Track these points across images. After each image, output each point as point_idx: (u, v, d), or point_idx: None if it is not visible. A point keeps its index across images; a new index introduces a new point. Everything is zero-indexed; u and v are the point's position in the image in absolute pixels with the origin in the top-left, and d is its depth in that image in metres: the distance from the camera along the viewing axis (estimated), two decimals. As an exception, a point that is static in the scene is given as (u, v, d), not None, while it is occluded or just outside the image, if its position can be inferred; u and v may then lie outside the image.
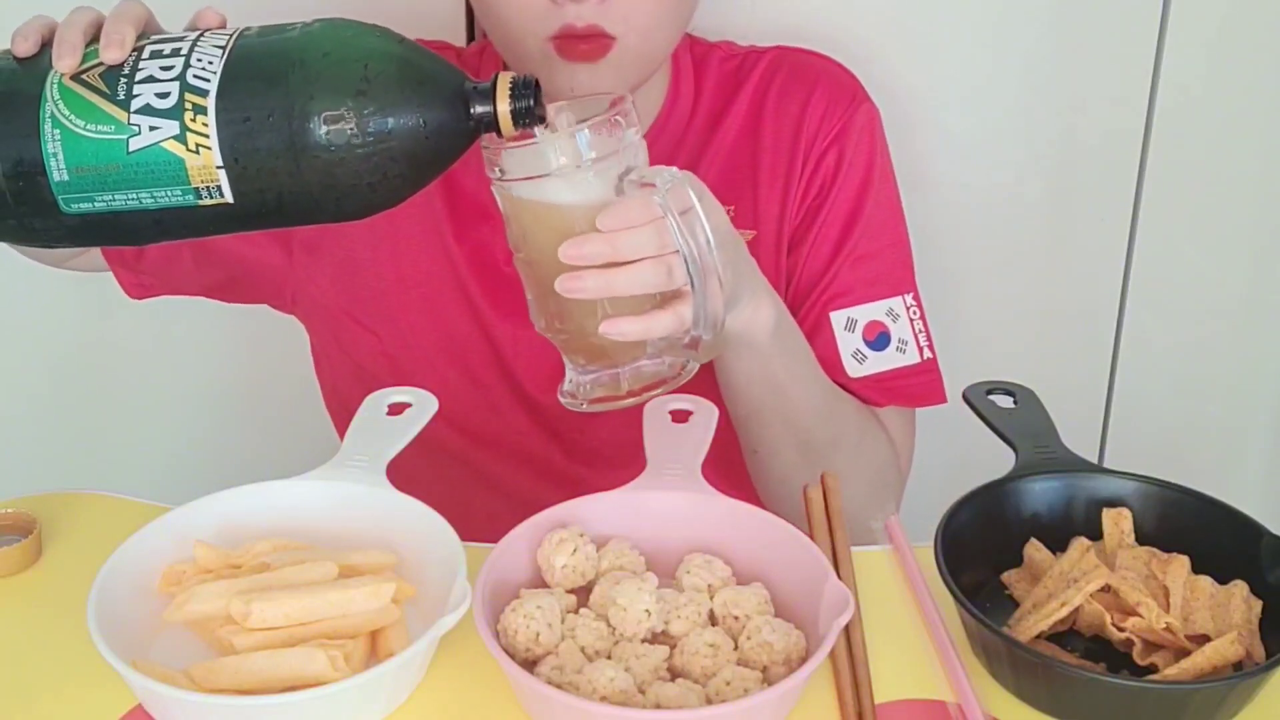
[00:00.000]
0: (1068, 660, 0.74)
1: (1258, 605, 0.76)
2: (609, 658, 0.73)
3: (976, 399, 0.90)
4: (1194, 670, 0.71)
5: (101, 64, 0.77)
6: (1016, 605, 0.79)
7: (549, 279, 0.80)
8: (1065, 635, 0.77)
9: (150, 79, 0.78)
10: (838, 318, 1.07)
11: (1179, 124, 1.28)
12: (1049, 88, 1.28)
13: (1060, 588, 0.77)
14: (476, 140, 0.81)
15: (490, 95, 0.79)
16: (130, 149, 0.77)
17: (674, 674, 0.73)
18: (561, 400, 0.86)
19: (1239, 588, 0.76)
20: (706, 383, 1.01)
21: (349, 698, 0.69)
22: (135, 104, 0.77)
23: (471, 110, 0.79)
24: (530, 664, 0.73)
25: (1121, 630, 0.74)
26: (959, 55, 1.28)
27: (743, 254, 0.90)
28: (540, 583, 0.79)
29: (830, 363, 1.06)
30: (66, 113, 0.78)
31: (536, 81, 0.79)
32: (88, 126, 0.77)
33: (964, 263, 1.34)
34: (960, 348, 1.25)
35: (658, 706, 0.69)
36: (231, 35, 0.79)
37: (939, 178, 1.30)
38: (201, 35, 0.80)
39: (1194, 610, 0.75)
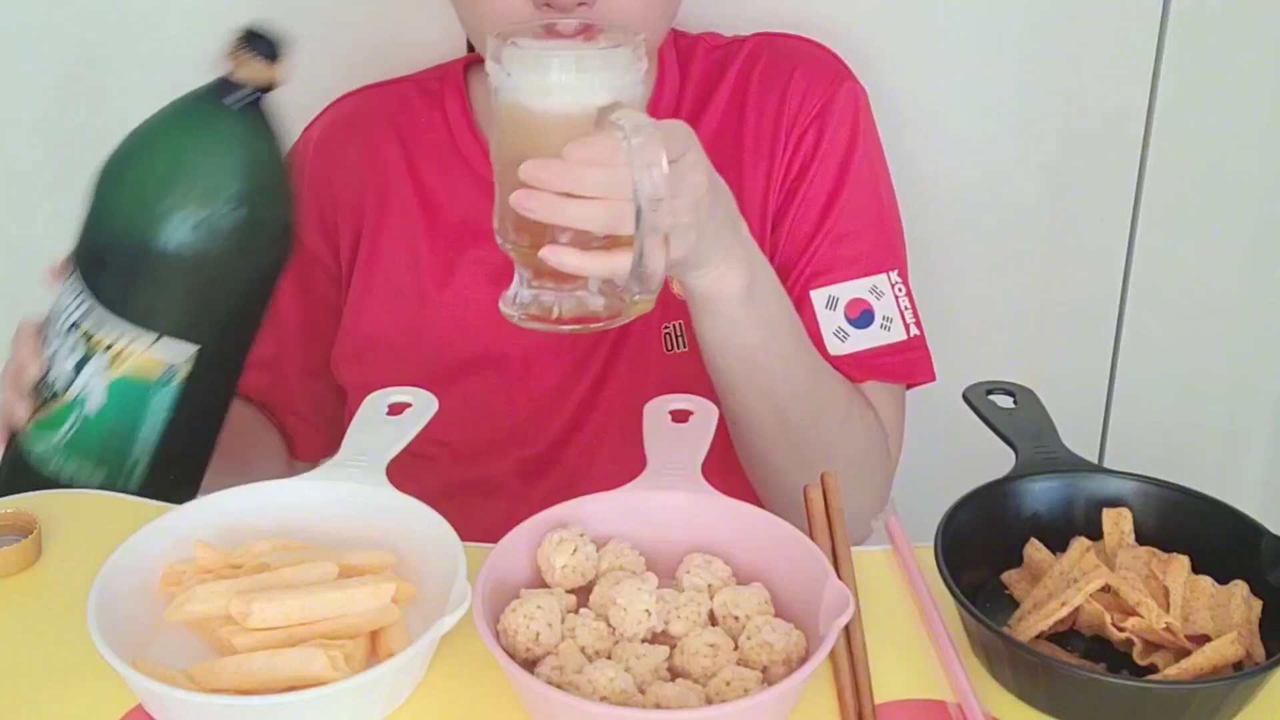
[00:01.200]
0: (1068, 660, 0.74)
1: (1258, 605, 0.76)
2: (609, 658, 0.73)
3: (976, 399, 0.90)
4: (1194, 670, 0.71)
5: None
6: (1016, 605, 0.79)
7: (510, 190, 0.80)
8: (1065, 635, 0.77)
9: (54, 361, 0.87)
10: (818, 296, 1.07)
11: (1179, 124, 1.28)
12: (1049, 87, 1.28)
13: (1060, 588, 0.77)
14: (264, 101, 0.86)
15: (230, 82, 0.84)
16: (96, 412, 0.86)
17: (674, 674, 0.73)
18: (500, 308, 0.87)
19: (1239, 588, 0.76)
20: (705, 382, 1.01)
21: (349, 698, 0.69)
22: (63, 384, 0.86)
23: (234, 103, 0.84)
24: (530, 664, 0.73)
25: (1121, 630, 0.74)
26: (958, 54, 1.28)
27: (721, 217, 0.89)
28: (540, 583, 0.79)
29: (812, 341, 1.06)
30: (46, 441, 0.88)
31: (247, 33, 0.84)
32: (65, 433, 0.87)
33: (964, 262, 1.34)
34: (960, 348, 1.25)
35: (658, 706, 0.69)
36: (67, 265, 0.88)
37: (939, 177, 1.30)
38: (58, 292, 0.89)
39: (1194, 610, 0.75)
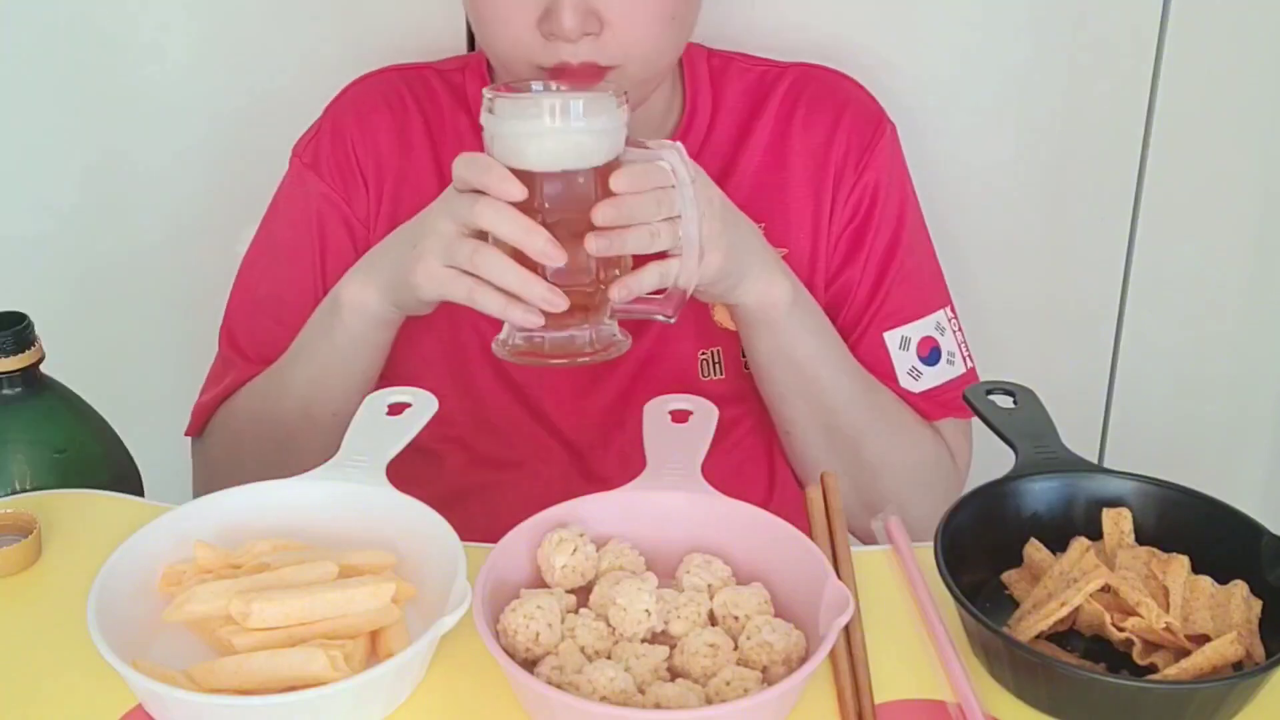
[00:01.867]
0: (1068, 660, 0.74)
1: (1258, 605, 0.76)
2: (609, 658, 0.73)
3: (976, 399, 0.90)
4: (1194, 670, 0.71)
5: None
6: (1016, 605, 0.79)
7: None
8: (1065, 635, 0.77)
9: None
10: (891, 338, 1.09)
11: (1179, 124, 1.28)
12: (1049, 87, 1.28)
13: (1060, 588, 0.77)
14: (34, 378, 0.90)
15: None
16: None
17: (674, 674, 0.73)
18: (493, 347, 0.90)
19: (1239, 588, 0.76)
20: (734, 409, 1.01)
21: (349, 698, 0.69)
22: None
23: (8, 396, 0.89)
24: (530, 664, 0.73)
25: (1121, 630, 0.74)
26: (958, 54, 1.28)
27: (745, 229, 0.95)
28: (540, 583, 0.79)
29: (888, 383, 1.08)
30: None
31: None
32: None
33: (964, 261, 1.34)
34: (960, 347, 1.25)
35: (658, 706, 0.69)
36: None
37: (939, 177, 1.29)
38: None
39: (1194, 610, 0.75)
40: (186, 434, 1.15)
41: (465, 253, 0.87)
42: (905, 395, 1.09)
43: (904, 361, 1.09)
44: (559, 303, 0.85)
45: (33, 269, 1.42)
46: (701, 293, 0.93)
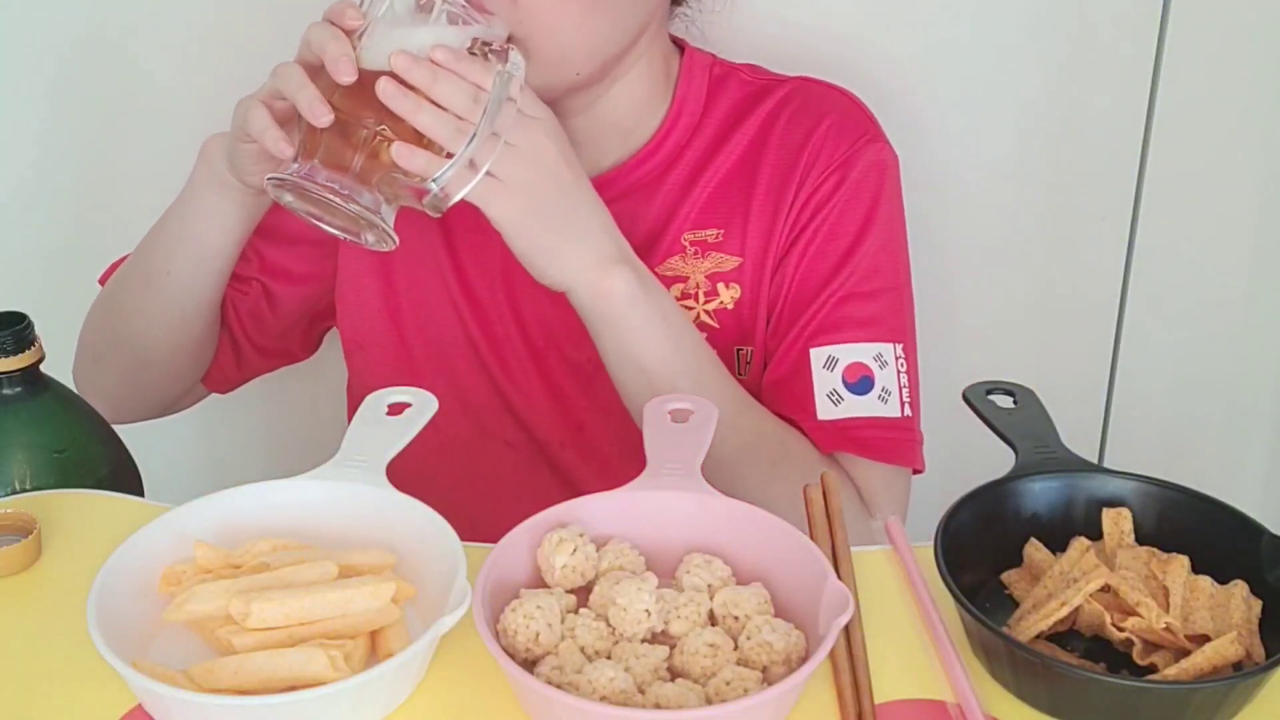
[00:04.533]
0: (1068, 660, 0.74)
1: (1257, 605, 0.76)
2: (609, 658, 0.73)
3: (976, 399, 0.90)
4: (1194, 670, 0.71)
5: None
6: (1016, 605, 0.79)
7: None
8: (1065, 635, 0.77)
9: None
10: (818, 354, 1.03)
11: (1179, 124, 1.28)
12: (1049, 86, 1.28)
13: (1060, 588, 0.77)
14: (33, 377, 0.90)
15: None
16: None
17: (674, 674, 0.73)
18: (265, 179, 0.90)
19: (1239, 588, 0.76)
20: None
21: (349, 698, 0.69)
22: None
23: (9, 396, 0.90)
24: (530, 664, 0.73)
25: (1121, 630, 0.74)
26: (958, 54, 1.28)
27: (588, 208, 0.93)
28: (540, 583, 0.79)
29: (803, 402, 1.03)
30: None
31: None
32: None
33: (964, 261, 1.34)
34: (960, 348, 1.25)
35: (658, 706, 0.69)
36: None
37: (939, 177, 1.30)
38: None
39: (1194, 610, 0.75)
40: (98, 281, 1.17)
41: (273, 71, 0.90)
42: (806, 423, 1.02)
43: (825, 382, 1.02)
44: (322, 114, 0.85)
45: (33, 269, 1.42)
46: (520, 257, 0.93)
